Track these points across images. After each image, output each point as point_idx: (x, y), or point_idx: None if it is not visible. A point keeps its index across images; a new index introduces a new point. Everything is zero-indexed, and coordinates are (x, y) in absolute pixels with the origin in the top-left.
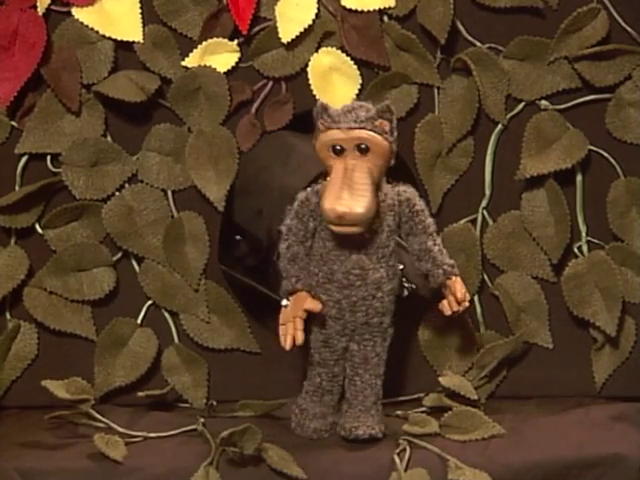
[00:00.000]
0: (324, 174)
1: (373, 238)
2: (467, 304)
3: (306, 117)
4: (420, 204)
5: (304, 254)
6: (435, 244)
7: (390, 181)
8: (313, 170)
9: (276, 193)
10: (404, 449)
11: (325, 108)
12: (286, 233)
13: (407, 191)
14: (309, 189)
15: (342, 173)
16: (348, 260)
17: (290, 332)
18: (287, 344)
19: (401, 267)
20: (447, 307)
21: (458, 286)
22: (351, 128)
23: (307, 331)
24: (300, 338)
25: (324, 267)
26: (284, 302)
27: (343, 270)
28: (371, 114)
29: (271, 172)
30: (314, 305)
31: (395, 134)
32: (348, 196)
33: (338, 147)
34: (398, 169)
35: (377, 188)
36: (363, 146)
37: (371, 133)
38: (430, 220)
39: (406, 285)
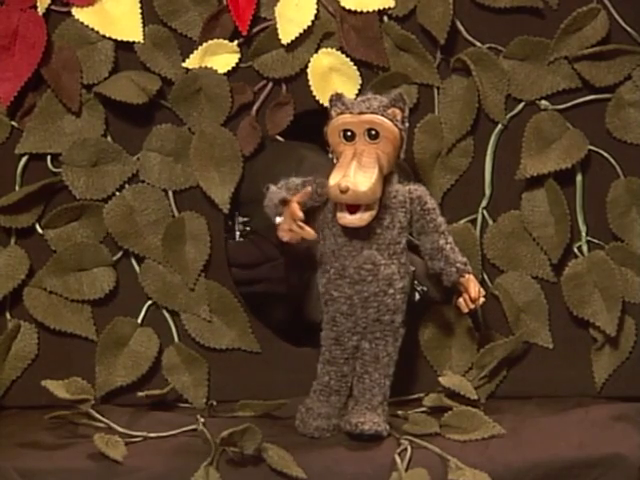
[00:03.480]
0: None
1: (384, 234)
2: (482, 300)
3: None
4: (431, 202)
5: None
6: (447, 242)
7: (401, 181)
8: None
9: None
10: (405, 449)
11: (339, 97)
12: (280, 184)
13: (418, 189)
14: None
15: (351, 156)
16: (360, 255)
17: (300, 233)
18: (304, 234)
19: (412, 269)
20: (463, 305)
21: (471, 284)
22: (362, 112)
23: (319, 330)
24: (311, 233)
25: (336, 263)
26: (277, 219)
27: (355, 265)
28: (384, 103)
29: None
30: (304, 193)
31: (406, 124)
32: (353, 174)
33: (349, 132)
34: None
35: (385, 178)
36: (373, 132)
37: (382, 118)
38: (441, 219)
39: (417, 288)
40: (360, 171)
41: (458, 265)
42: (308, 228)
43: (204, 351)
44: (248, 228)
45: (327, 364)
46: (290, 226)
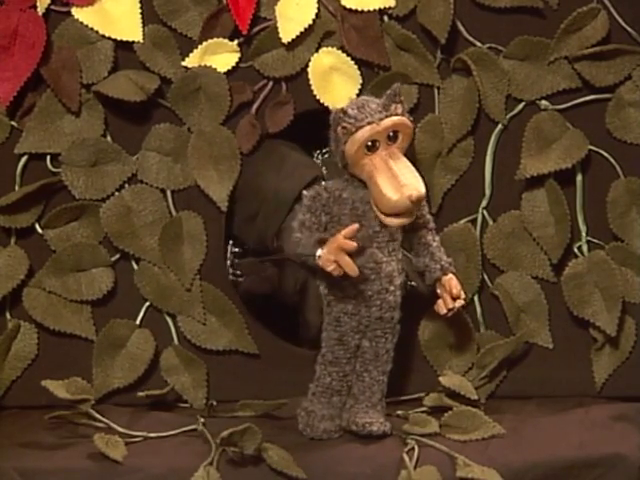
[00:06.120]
0: (319, 179)
1: (383, 232)
2: (462, 302)
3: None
4: None
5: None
6: (434, 240)
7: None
8: (307, 176)
9: (270, 199)
10: (412, 448)
11: (344, 112)
12: (299, 227)
13: None
14: (317, 186)
15: (383, 164)
16: (362, 254)
17: (345, 267)
18: (348, 270)
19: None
20: (442, 306)
21: (453, 282)
22: (381, 119)
23: (320, 330)
24: (355, 271)
25: None
26: (318, 252)
27: (357, 264)
28: (383, 101)
29: (265, 178)
30: (350, 229)
31: (406, 110)
32: (405, 181)
33: (370, 143)
34: None
35: None
36: (392, 133)
37: (400, 118)
38: (430, 216)
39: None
40: (407, 174)
41: (443, 263)
42: (354, 265)
43: (202, 352)
44: (237, 260)
45: (329, 365)
46: (337, 257)
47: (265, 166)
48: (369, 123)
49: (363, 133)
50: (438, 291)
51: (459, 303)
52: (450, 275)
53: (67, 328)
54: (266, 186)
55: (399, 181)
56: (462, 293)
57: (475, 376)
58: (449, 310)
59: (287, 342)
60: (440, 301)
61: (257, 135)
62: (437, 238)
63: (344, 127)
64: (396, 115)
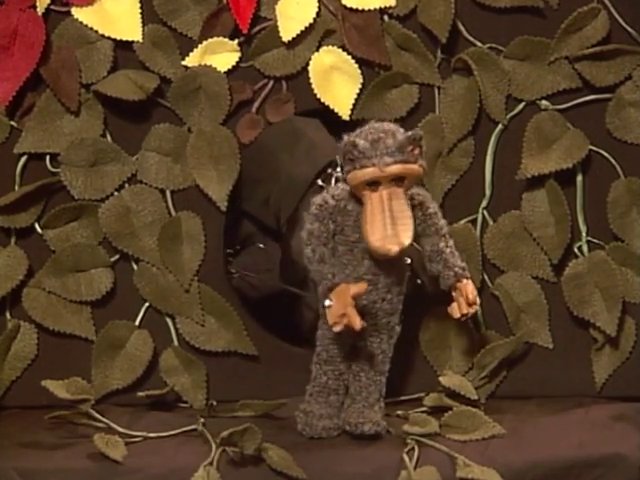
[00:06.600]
0: (333, 164)
1: None
2: (477, 307)
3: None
4: (433, 207)
5: (330, 254)
6: (447, 246)
7: None
8: (321, 159)
9: (284, 181)
10: (412, 448)
11: (354, 145)
12: (308, 237)
13: (420, 194)
14: (325, 193)
15: (380, 205)
16: (361, 265)
17: (349, 324)
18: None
19: (409, 261)
20: (456, 310)
21: (469, 288)
22: (387, 164)
23: (314, 328)
24: (360, 325)
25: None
26: (327, 302)
27: (355, 275)
28: (401, 141)
29: (278, 160)
30: (359, 288)
31: (424, 155)
32: (393, 231)
33: (374, 182)
34: None
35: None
36: (398, 177)
37: (407, 166)
38: (443, 222)
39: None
40: (398, 223)
41: (456, 269)
42: (361, 322)
43: (201, 354)
44: (231, 259)
45: (324, 364)
46: (344, 319)
47: (278, 148)
48: (374, 165)
49: (364, 174)
50: (453, 294)
51: (474, 309)
52: (467, 281)
53: (67, 328)
54: (280, 167)
55: (386, 229)
56: (477, 300)
57: (475, 376)
58: (463, 315)
59: (285, 342)
60: (455, 305)
61: (260, 127)
62: (451, 243)
63: (350, 159)
64: (407, 162)
